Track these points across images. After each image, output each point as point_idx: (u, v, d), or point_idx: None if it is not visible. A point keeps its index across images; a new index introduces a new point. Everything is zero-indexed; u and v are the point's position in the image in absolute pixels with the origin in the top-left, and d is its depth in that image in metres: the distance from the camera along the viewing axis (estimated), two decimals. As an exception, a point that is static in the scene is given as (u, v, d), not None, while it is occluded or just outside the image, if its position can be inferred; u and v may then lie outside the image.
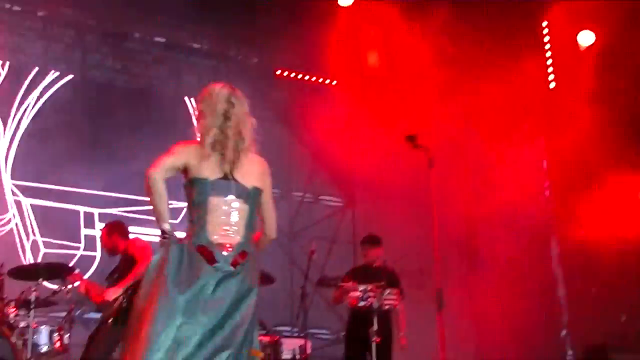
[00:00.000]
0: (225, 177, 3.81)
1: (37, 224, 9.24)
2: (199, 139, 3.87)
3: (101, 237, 6.60)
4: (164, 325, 3.52)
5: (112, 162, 9.10)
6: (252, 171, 3.92)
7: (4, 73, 9.36)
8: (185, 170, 3.82)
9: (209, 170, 3.78)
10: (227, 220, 3.77)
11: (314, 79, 11.42)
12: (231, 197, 3.79)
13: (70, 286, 6.32)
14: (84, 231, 9.53)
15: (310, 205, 11.32)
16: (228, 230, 3.75)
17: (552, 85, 10.10)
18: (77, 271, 6.55)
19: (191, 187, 3.81)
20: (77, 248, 9.43)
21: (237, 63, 11.04)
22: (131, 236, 6.64)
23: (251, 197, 3.86)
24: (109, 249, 6.52)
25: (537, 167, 10.23)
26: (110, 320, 6.06)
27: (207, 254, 3.67)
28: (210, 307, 3.59)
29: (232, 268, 3.69)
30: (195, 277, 3.63)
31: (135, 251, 6.32)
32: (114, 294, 6.08)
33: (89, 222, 9.57)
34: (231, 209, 3.78)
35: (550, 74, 10.12)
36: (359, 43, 10.19)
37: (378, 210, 10.56)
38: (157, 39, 10.50)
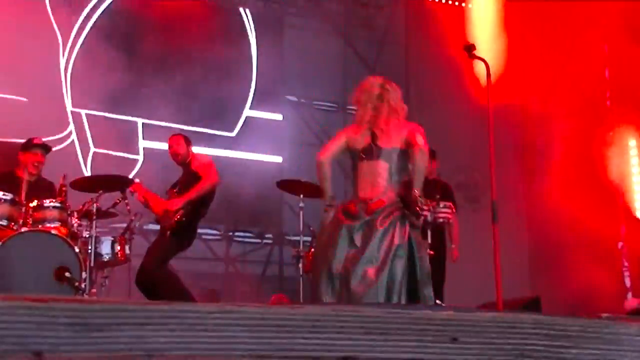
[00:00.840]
0: (371, 144, 4.63)
1: (96, 137, 9.41)
2: (355, 120, 4.80)
3: (177, 144, 6.58)
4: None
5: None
6: (395, 135, 4.64)
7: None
8: (347, 148, 4.73)
9: (360, 142, 4.67)
10: (371, 179, 4.61)
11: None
12: (375, 160, 4.62)
13: (131, 195, 6.45)
14: (142, 143, 9.70)
15: (365, 118, 11.23)
16: (372, 187, 4.59)
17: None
18: (136, 180, 6.66)
19: (350, 158, 4.76)
20: (136, 160, 9.62)
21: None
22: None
23: (392, 157, 4.62)
24: (179, 156, 6.54)
25: (598, 76, 9.91)
26: (168, 233, 6.20)
27: (349, 207, 4.62)
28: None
29: (365, 217, 4.52)
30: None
31: (199, 167, 6.39)
32: (175, 205, 6.18)
33: (147, 135, 9.73)
34: (375, 169, 4.61)
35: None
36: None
37: (432, 122, 10.42)
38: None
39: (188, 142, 6.60)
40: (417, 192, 4.53)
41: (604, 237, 9.27)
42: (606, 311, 4.12)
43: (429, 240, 6.25)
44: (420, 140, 4.64)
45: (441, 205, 6.38)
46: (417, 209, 4.58)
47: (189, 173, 6.46)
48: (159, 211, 6.35)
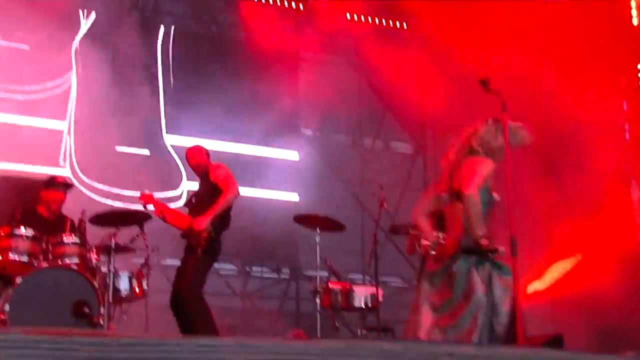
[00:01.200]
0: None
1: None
2: None
3: (196, 154, 6.53)
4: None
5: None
6: (461, 176, 4.80)
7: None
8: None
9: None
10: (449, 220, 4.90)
11: (384, 22, 11.25)
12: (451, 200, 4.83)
13: (144, 207, 6.36)
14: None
15: (381, 152, 11.28)
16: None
17: (635, 21, 9.65)
18: (146, 191, 6.57)
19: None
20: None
21: (308, 7, 10.95)
22: None
23: (460, 198, 4.76)
24: (200, 167, 6.47)
25: (616, 108, 9.87)
26: (200, 251, 6.11)
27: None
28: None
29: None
30: None
31: (219, 179, 6.27)
32: (203, 223, 6.07)
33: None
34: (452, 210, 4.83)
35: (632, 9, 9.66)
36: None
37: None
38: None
39: (208, 153, 6.56)
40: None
41: (629, 272, 9.17)
42: (632, 349, 4.06)
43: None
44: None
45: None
46: None
47: (208, 184, 6.37)
48: (182, 226, 6.27)
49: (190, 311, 6.00)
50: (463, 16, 10.09)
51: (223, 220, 6.25)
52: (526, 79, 9.63)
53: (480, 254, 4.67)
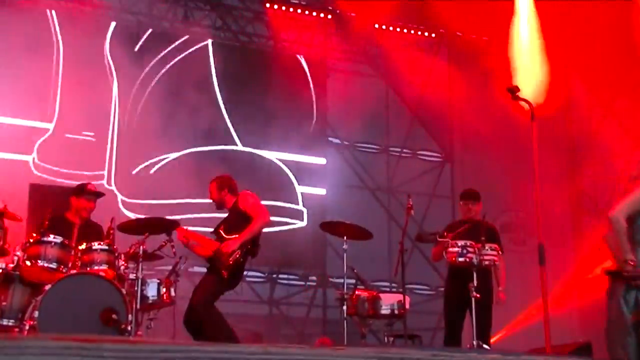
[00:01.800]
0: None
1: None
2: None
3: (210, 190, 6.66)
4: None
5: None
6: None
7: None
8: None
9: None
10: None
11: (412, 31, 11.25)
12: None
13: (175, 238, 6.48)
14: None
15: (408, 160, 11.26)
16: None
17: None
18: (180, 225, 6.68)
19: None
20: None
21: (336, 17, 10.98)
22: None
23: None
24: (217, 203, 6.61)
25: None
26: (225, 273, 6.18)
27: None
28: None
29: None
30: None
31: (248, 208, 6.36)
32: (231, 247, 6.15)
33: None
34: None
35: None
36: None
37: (477, 164, 10.38)
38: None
39: (222, 187, 6.56)
40: None
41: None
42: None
43: (475, 283, 6.19)
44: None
45: (487, 248, 6.31)
46: None
47: (237, 212, 6.45)
48: (208, 253, 6.35)
49: (203, 322, 6.07)
50: (491, 25, 10.05)
51: (251, 247, 6.30)
52: (554, 89, 9.56)
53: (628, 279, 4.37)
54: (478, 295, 6.20)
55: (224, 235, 6.37)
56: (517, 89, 5.61)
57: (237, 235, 6.23)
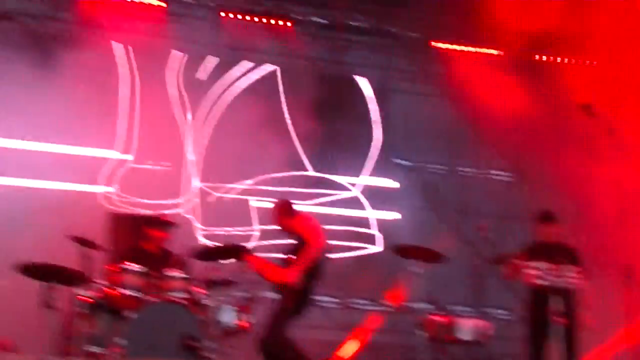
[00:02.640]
0: None
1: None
2: None
3: (272, 216, 6.76)
4: None
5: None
6: None
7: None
8: None
9: None
10: None
11: (474, 49, 11.15)
12: None
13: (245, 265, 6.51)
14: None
15: (480, 181, 11.10)
16: None
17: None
18: (250, 252, 6.71)
19: None
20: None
21: (395, 38, 10.97)
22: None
23: None
24: (280, 228, 6.68)
25: None
26: (290, 303, 6.21)
27: None
28: None
29: None
30: None
31: (303, 231, 6.40)
32: (291, 277, 6.19)
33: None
34: None
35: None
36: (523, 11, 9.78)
37: (553, 183, 10.13)
38: (315, 19, 10.63)
39: (279, 212, 6.64)
40: None
41: None
42: None
43: (556, 307, 6.02)
44: None
45: (568, 270, 6.15)
46: None
47: (297, 236, 6.48)
48: (276, 280, 6.40)
49: (277, 350, 6.11)
50: (560, 41, 9.87)
51: (313, 273, 6.30)
52: (628, 105, 9.30)
53: None
54: (563, 320, 6.01)
55: (291, 260, 6.38)
56: (590, 105, 5.49)
57: (296, 263, 6.22)
